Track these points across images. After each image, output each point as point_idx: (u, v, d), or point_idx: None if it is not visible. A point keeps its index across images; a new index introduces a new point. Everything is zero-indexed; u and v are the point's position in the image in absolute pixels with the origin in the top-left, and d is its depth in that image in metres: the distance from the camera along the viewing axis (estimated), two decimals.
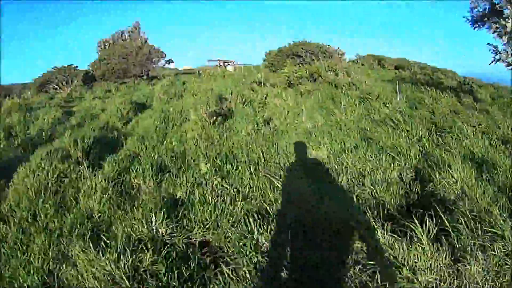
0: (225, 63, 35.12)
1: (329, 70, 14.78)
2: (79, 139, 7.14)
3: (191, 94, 14.00)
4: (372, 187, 4.89)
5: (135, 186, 5.44)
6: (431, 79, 16.85)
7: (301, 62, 21.38)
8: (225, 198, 4.59)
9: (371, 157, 5.83)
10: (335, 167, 5.74)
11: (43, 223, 4.54)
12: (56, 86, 27.65)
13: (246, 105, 10.53)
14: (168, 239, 3.80)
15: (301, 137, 7.37)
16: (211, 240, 4.01)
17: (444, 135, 6.90)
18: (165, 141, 7.82)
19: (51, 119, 11.20)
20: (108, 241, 3.71)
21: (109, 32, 44.54)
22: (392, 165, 5.49)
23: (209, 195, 4.60)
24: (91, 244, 3.62)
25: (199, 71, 31.00)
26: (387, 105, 9.81)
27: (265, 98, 11.16)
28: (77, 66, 31.17)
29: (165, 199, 4.77)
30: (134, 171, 5.72)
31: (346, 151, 6.20)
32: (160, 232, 3.82)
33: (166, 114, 10.29)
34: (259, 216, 4.29)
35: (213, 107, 10.00)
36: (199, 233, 4.02)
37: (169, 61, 32.20)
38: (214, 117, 8.39)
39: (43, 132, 9.02)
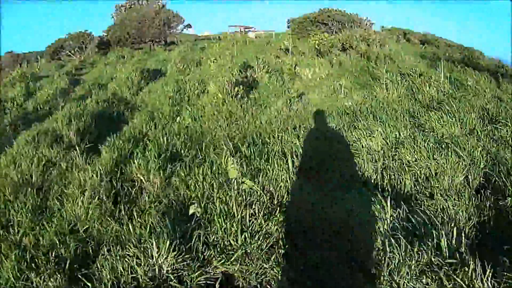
0: (246, 29, 33.23)
1: (362, 40, 13.13)
2: (75, 116, 5.91)
3: (210, 61, 12.61)
4: (442, 198, 3.57)
5: (136, 182, 4.21)
6: (467, 58, 14.96)
7: (327, 30, 19.65)
8: (256, 208, 3.32)
9: (435, 154, 4.44)
10: (393, 164, 4.40)
11: (17, 237, 3.40)
12: (69, 53, 26.41)
13: (272, 75, 9.14)
14: (174, 282, 2.56)
15: (343, 118, 5.99)
16: (236, 276, 2.77)
17: (500, 127, 5.42)
18: (178, 118, 6.57)
19: (54, 90, 10.04)
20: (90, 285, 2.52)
21: None
22: (458, 165, 4.08)
23: (233, 205, 3.32)
24: None
25: (219, 37, 29.40)
26: (431, 85, 8.26)
27: (295, 68, 9.68)
28: (91, 32, 29.83)
29: (173, 205, 3.56)
30: (137, 161, 4.47)
31: (403, 143, 4.83)
32: (165, 271, 2.59)
33: (182, 84, 8.96)
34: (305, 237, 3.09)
35: (235, 76, 8.68)
36: (220, 265, 2.78)
37: (188, 26, 30.47)
38: (237, 88, 7.04)
39: (39, 106, 7.81)
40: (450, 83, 8.61)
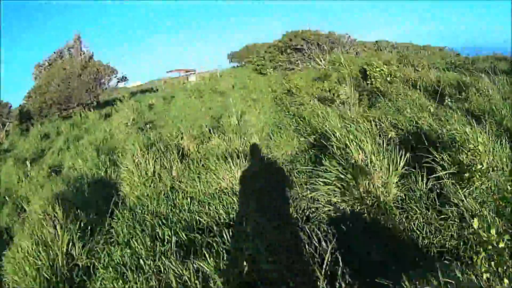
0: (187, 73, 27.53)
1: (405, 64, 8.28)
2: None
3: (194, 146, 6.87)
4: None
5: None
6: None
7: (303, 57, 14.75)
8: None
9: None
10: None
11: None
12: None
13: None
14: None
15: None
16: None
17: None
18: None
19: None
20: None
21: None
22: None
23: None
24: None
25: (156, 87, 23.61)
26: None
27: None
28: (8, 103, 22.56)
29: None
30: None
31: None
32: None
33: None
34: None
35: None
36: None
37: (123, 79, 23.79)
38: None
39: None
40: None
